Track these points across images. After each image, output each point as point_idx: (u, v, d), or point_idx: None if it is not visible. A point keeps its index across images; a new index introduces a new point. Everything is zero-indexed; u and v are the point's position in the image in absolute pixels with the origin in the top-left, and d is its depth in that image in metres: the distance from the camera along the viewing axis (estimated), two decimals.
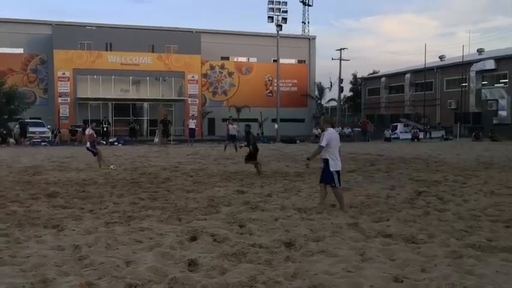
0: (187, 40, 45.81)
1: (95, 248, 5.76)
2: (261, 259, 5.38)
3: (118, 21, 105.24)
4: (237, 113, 45.38)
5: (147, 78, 44.22)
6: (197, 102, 44.92)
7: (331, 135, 8.43)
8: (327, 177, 8.48)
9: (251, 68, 50.58)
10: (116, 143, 32.21)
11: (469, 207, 8.77)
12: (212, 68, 49.26)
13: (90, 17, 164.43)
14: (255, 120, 44.77)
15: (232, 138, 23.81)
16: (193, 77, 44.78)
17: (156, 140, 33.05)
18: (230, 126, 24.76)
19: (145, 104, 44.68)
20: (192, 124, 33.10)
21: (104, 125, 34.43)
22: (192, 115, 41.49)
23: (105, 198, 9.59)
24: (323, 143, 8.32)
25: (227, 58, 50.56)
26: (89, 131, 16.80)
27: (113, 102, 43.03)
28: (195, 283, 4.55)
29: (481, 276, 4.79)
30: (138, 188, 11.08)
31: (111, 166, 15.62)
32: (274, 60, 43.98)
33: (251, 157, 14.26)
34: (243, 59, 51.42)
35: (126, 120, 40.85)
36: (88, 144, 16.47)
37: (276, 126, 40.35)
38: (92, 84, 42.60)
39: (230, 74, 49.84)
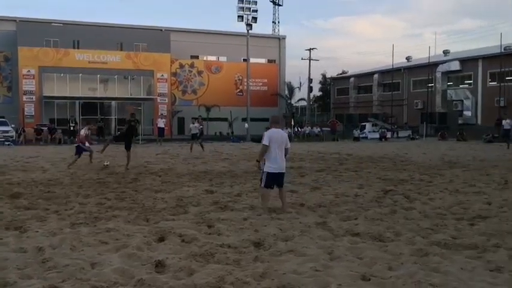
0: (156, 38, 45.34)
1: (59, 250, 5.62)
2: (230, 259, 5.34)
3: (86, 18, 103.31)
4: (207, 112, 45.20)
5: (116, 76, 43.58)
6: (166, 101, 44.52)
7: (271, 134, 8.16)
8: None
9: (221, 67, 50.46)
10: None
11: (434, 205, 8.94)
12: (182, 66, 48.92)
13: (57, 14, 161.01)
14: (225, 119, 44.67)
15: (194, 137, 23.71)
16: (162, 75, 44.36)
17: None
18: (192, 125, 24.65)
19: (114, 103, 44.03)
20: (161, 123, 32.78)
21: (71, 124, 33.76)
22: (161, 114, 41.08)
23: (71, 199, 9.38)
24: (265, 142, 8.10)
25: (197, 57, 50.28)
26: (84, 131, 16.38)
27: (80, 100, 42.24)
28: (162, 285, 4.49)
29: (446, 274, 4.88)
30: (105, 188, 10.88)
31: (106, 162, 15.36)
32: (244, 60, 43.94)
33: None
34: (213, 58, 51.24)
35: (94, 119, 40.12)
36: (82, 144, 15.92)
37: (246, 125, 40.35)
38: (58, 83, 41.71)
39: (200, 72, 49.59)
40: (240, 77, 49.62)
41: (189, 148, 23.08)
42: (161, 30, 47.81)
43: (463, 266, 5.15)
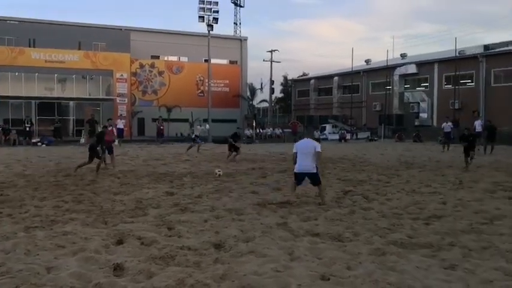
0: (115, 38, 44.51)
1: (13, 255, 5.45)
2: (190, 262, 5.31)
3: (42, 16, 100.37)
4: (168, 112, 44.70)
5: (73, 76, 42.48)
6: (126, 101, 43.73)
7: (297, 144, 9.85)
8: None
9: (182, 67, 50.02)
10: (39, 143, 30.70)
11: (391, 205, 9.15)
12: (142, 66, 48.21)
13: (12, 11, 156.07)
14: (186, 120, 44.31)
15: (195, 139, 23.89)
16: (122, 75, 43.57)
17: (83, 140, 31.89)
18: (199, 127, 27.10)
19: (71, 103, 42.93)
20: (120, 124, 32.19)
21: (26, 125, 32.73)
22: (121, 115, 40.35)
23: (26, 202, 9.10)
24: (294, 150, 9.81)
25: (157, 57, 49.66)
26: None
27: (37, 100, 40.98)
28: None
29: (403, 272, 5.00)
30: (63, 191, 10.62)
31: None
32: (206, 60, 43.70)
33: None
34: (174, 58, 50.74)
35: (51, 120, 39.05)
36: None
37: (208, 126, 40.16)
38: (13, 82, 40.32)
39: (160, 73, 49.00)
40: (202, 78, 49.33)
41: (196, 149, 23.20)
42: (121, 29, 47.00)
43: (419, 264, 5.29)
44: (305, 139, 9.96)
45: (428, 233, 6.86)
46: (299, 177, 9.55)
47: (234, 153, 19.36)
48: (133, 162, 18.25)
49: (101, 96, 43.18)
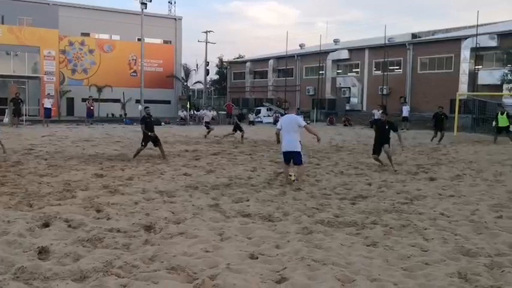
0: (42, 13, 42.26)
1: None
2: (118, 244, 5.26)
3: None
4: (98, 92, 43.28)
5: None
6: (54, 80, 41.83)
7: (280, 120, 10.32)
8: None
9: (114, 45, 48.40)
10: None
11: (321, 186, 9.47)
12: (71, 44, 46.18)
13: None
14: (118, 100, 43.14)
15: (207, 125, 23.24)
16: (49, 52, 41.57)
17: (7, 120, 30.28)
18: (206, 111, 26.65)
19: None
20: (47, 103, 30.80)
21: None
22: (48, 94, 38.51)
23: None
24: (277, 127, 10.15)
25: (87, 34, 47.74)
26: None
27: None
28: (45, 271, 4.31)
29: (328, 250, 5.21)
30: None
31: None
32: (139, 39, 42.54)
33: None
34: (105, 36, 48.97)
35: None
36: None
37: (140, 107, 39.25)
38: None
39: (91, 51, 47.16)
40: (134, 57, 48.02)
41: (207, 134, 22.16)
42: (48, 4, 44.67)
43: (343, 242, 5.54)
44: (288, 115, 10.16)
45: (354, 212, 7.17)
46: (286, 157, 9.68)
47: (241, 133, 20.06)
48: (61, 143, 17.58)
49: (26, 74, 41.06)
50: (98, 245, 5.20)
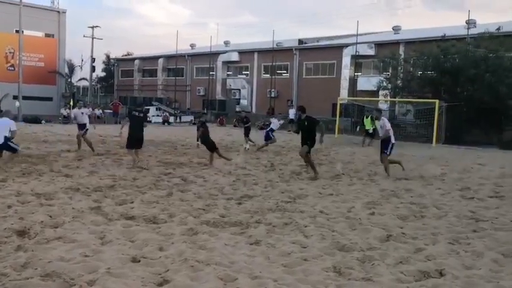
0: None
1: None
2: None
3: None
4: None
5: None
6: None
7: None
8: None
9: None
10: None
11: (209, 187, 9.51)
12: None
13: None
14: None
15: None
16: None
17: None
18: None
19: None
20: None
21: None
22: None
23: None
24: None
25: None
26: None
27: None
28: None
29: (212, 250, 5.26)
30: None
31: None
32: (17, 31, 39.59)
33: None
34: None
35: None
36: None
37: (18, 104, 36.55)
38: None
39: None
40: (12, 50, 44.61)
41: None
42: None
43: (227, 241, 5.62)
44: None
45: (240, 212, 7.30)
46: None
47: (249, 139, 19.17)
48: None
49: None
50: None
